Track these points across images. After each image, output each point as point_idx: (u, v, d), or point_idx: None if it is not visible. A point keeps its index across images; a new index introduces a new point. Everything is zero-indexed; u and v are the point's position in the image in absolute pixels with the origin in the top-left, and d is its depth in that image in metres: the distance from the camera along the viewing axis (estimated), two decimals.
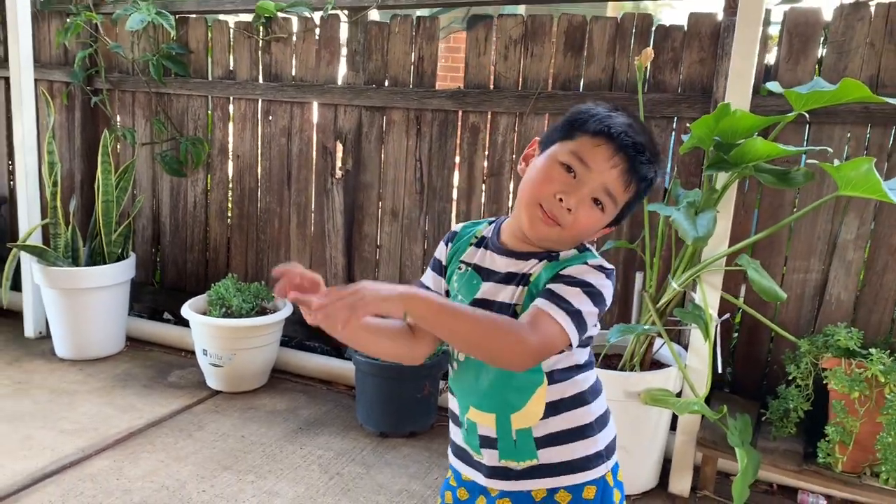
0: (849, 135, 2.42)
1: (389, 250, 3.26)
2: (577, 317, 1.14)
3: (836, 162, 2.03)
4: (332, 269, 3.38)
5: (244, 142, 3.51)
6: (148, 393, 3.10)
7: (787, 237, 2.57)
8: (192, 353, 3.36)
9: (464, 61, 2.96)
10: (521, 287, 1.22)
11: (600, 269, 1.19)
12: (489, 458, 1.28)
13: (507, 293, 1.23)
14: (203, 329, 3.06)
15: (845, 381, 2.20)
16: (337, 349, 3.48)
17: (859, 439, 2.22)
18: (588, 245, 1.26)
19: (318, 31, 3.24)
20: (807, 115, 2.13)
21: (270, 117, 3.42)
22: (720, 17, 2.53)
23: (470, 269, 1.30)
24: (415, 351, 1.33)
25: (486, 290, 1.26)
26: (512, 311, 1.22)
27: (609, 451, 1.29)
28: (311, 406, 3.06)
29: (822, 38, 2.42)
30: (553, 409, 1.24)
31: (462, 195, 3.06)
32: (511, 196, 2.97)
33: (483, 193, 3.01)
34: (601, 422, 1.28)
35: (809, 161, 2.11)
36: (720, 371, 2.35)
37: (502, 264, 1.26)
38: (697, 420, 2.47)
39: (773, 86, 2.20)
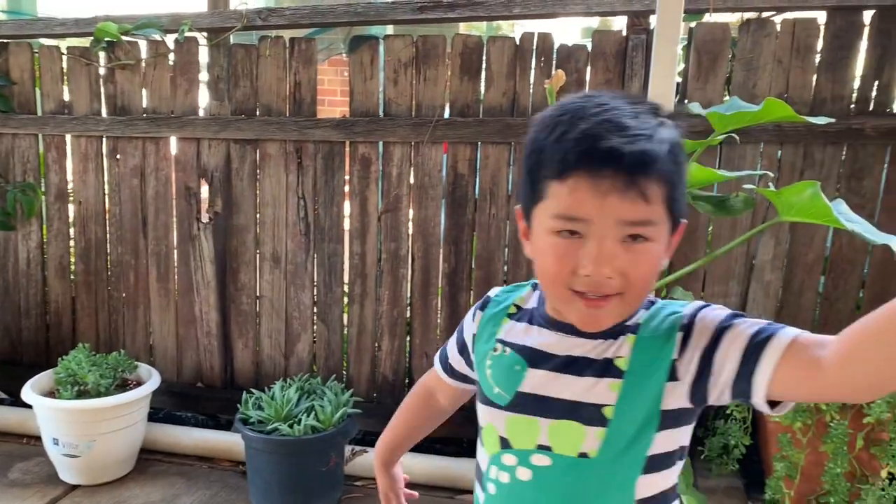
0: (761, 154, 2.37)
1: (272, 301, 2.87)
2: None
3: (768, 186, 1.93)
4: (205, 326, 2.94)
5: (87, 186, 2.99)
6: None
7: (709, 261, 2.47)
8: (38, 438, 2.79)
9: (349, 86, 2.66)
10: (602, 378, 0.89)
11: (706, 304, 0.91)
12: None
13: (577, 386, 0.90)
14: (52, 414, 2.53)
15: (787, 413, 2.10)
16: (214, 417, 3.04)
17: (804, 471, 2.13)
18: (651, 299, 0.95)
19: (172, 56, 2.81)
20: (737, 138, 2.02)
21: (119, 156, 2.94)
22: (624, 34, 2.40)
23: (509, 350, 0.98)
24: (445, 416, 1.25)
25: (537, 380, 0.93)
26: (597, 413, 0.89)
27: None
28: (194, 491, 2.61)
29: (730, 55, 2.34)
30: None
31: (355, 234, 2.74)
32: (410, 237, 2.70)
33: (379, 231, 2.71)
34: None
35: (746, 186, 1.99)
36: None
37: (555, 343, 0.94)
38: None
39: (694, 107, 2.07)
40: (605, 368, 0.89)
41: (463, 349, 1.10)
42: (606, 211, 0.81)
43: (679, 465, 0.94)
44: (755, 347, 0.81)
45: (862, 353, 0.72)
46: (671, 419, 0.89)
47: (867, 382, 0.73)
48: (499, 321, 1.02)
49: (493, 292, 1.07)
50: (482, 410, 1.00)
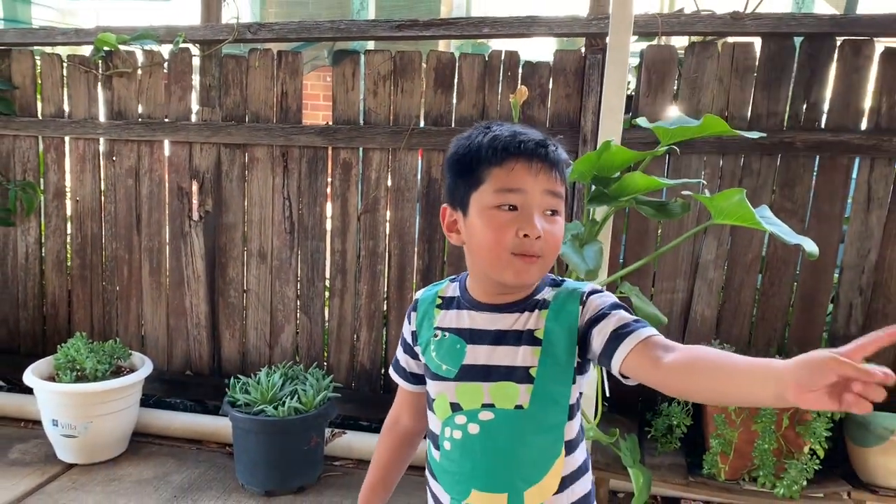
0: (704, 163, 2.62)
1: (258, 294, 3.09)
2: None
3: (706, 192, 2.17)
4: (194, 318, 3.15)
5: (84, 185, 3.19)
6: None
7: (653, 259, 2.72)
8: (35, 422, 3.00)
9: (331, 97, 2.88)
10: (526, 347, 1.15)
11: (600, 289, 1.18)
12: None
13: (509, 355, 1.15)
14: (52, 397, 2.73)
15: None
16: (202, 403, 3.24)
17: (737, 448, 2.38)
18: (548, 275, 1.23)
19: (166, 65, 3.02)
20: (677, 149, 2.26)
21: (115, 157, 3.14)
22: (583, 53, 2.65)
23: (448, 333, 1.22)
24: (417, 440, 1.42)
25: (477, 353, 1.18)
26: (525, 373, 1.14)
27: None
28: (183, 470, 2.82)
29: (676, 74, 2.59)
30: (565, 482, 1.17)
31: (336, 233, 2.97)
32: (387, 236, 2.92)
33: (359, 230, 2.93)
34: (593, 492, 1.24)
35: (685, 192, 2.24)
36: (608, 395, 2.43)
37: (485, 322, 1.19)
38: (588, 443, 2.54)
39: (642, 121, 2.31)
40: (529, 339, 1.15)
41: (409, 349, 1.31)
42: (538, 183, 1.11)
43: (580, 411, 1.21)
44: (617, 336, 1.08)
45: (688, 376, 0.99)
46: (579, 372, 1.16)
47: (680, 391, 1.07)
48: (432, 313, 1.26)
49: (419, 294, 1.32)
50: (433, 386, 1.24)
